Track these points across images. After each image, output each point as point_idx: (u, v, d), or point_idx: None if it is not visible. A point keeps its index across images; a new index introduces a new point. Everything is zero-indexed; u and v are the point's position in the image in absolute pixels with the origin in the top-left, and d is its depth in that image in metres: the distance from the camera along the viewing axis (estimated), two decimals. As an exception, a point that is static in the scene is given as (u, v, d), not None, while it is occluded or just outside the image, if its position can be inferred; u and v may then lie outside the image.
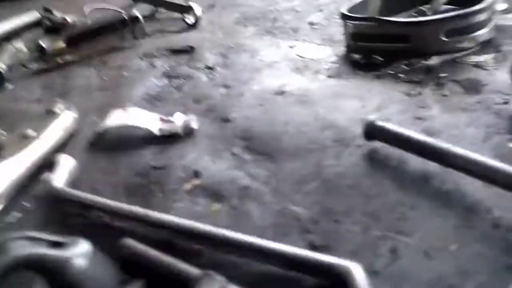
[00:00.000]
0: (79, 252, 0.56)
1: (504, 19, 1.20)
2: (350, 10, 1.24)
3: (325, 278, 0.56)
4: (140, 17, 1.56)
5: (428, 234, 0.61)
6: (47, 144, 0.94)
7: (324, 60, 1.28)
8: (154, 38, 1.61)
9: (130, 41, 1.60)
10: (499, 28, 1.16)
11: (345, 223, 0.65)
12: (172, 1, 1.72)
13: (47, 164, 0.88)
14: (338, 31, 1.40)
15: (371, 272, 0.55)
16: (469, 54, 1.11)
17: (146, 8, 1.76)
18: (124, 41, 1.60)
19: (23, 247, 0.55)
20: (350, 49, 1.27)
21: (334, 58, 1.28)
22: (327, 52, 1.33)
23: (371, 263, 0.57)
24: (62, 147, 0.97)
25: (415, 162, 0.74)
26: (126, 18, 1.55)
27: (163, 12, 1.77)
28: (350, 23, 1.24)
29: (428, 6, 1.24)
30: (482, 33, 1.11)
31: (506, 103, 0.89)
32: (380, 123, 0.77)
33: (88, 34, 1.58)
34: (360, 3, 1.29)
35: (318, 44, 1.39)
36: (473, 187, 0.67)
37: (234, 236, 0.62)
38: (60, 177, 0.82)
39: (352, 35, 1.25)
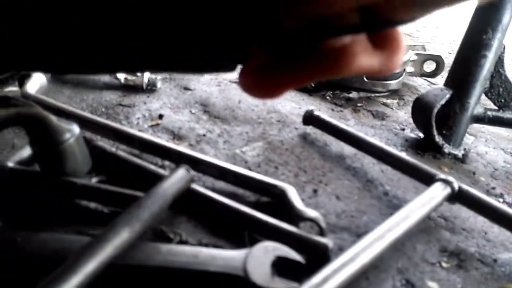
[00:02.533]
0: (73, 130, 0.66)
1: (407, 78, 1.55)
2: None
3: (267, 195, 0.73)
4: None
5: (339, 187, 0.82)
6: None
7: (269, 73, 1.50)
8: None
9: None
10: (404, 84, 1.50)
11: (282, 170, 0.84)
12: None
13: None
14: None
15: (299, 200, 0.73)
16: (380, 96, 1.42)
17: None
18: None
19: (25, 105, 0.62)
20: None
21: (276, 74, 1.51)
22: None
23: (299, 195, 0.76)
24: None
25: (336, 145, 0.96)
26: None
27: None
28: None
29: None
30: (393, 83, 1.43)
31: (403, 129, 1.17)
32: (316, 112, 0.99)
33: None
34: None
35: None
36: (373, 168, 0.91)
37: (196, 155, 0.76)
38: (33, 86, 0.89)
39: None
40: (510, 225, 0.76)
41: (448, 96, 1.04)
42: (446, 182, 0.78)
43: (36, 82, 0.90)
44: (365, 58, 0.22)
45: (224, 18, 0.19)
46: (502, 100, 1.10)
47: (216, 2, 0.18)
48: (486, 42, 1.03)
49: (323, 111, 1.22)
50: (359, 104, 1.34)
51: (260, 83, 0.22)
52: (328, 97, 1.37)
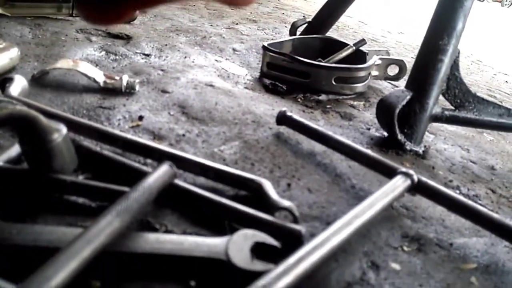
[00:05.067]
0: (61, 130, 0.69)
1: (372, 82, 1.65)
2: (269, 45, 1.58)
3: (244, 189, 0.78)
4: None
5: (311, 181, 0.89)
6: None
7: (242, 76, 1.56)
8: (90, 20, 1.72)
9: (66, 15, 1.69)
10: (370, 87, 1.59)
11: (258, 166, 0.90)
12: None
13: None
14: (254, 60, 1.72)
15: (274, 193, 0.79)
16: (348, 98, 1.50)
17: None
18: (60, 13, 1.68)
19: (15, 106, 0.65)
20: (263, 74, 1.58)
21: (250, 78, 1.57)
22: (245, 72, 1.62)
23: (275, 189, 0.81)
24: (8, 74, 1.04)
25: (308, 144, 1.03)
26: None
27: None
28: (268, 54, 1.56)
29: (325, 60, 1.65)
30: (359, 86, 1.52)
31: (368, 129, 1.26)
32: (289, 113, 1.06)
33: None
34: (278, 42, 1.65)
35: (239, 65, 1.68)
36: (342, 164, 0.98)
37: (177, 153, 0.81)
38: (15, 89, 0.91)
39: (267, 64, 1.56)
40: (465, 213, 0.84)
41: (408, 97, 1.13)
42: (407, 174, 0.85)
43: (18, 86, 0.93)
44: None
45: None
46: (458, 101, 1.20)
47: None
48: (442, 48, 1.13)
49: (295, 112, 1.28)
50: (328, 106, 1.42)
51: (98, 13, 0.24)
52: (299, 100, 1.44)
